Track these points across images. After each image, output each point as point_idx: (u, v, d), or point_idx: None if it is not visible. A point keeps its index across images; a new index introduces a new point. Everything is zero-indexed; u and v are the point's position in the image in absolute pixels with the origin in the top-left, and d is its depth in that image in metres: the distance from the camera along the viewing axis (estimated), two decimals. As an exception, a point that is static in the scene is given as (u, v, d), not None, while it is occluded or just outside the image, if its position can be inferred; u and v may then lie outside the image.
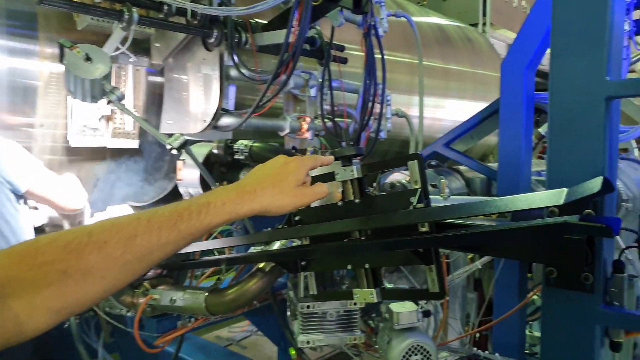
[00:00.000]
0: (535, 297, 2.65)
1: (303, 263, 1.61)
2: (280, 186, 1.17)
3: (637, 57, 2.53)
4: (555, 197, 1.00)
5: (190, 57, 3.20)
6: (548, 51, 1.77)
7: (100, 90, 2.05)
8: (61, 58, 2.15)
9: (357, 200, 1.44)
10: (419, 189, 1.25)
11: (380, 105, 3.42)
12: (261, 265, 1.73)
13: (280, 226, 1.66)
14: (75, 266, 0.83)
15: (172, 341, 1.99)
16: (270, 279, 1.71)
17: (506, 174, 2.51)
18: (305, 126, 3.63)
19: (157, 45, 3.18)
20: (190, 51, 3.20)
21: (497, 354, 2.03)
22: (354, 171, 1.44)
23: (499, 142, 2.56)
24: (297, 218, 1.63)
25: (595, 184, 1.02)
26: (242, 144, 2.23)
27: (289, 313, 2.06)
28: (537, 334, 3.29)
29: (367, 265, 1.40)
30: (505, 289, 2.33)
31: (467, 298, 3.03)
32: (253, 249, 1.85)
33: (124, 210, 3.26)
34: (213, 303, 1.73)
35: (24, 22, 2.75)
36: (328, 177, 1.56)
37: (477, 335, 2.90)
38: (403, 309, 1.68)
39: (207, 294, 1.74)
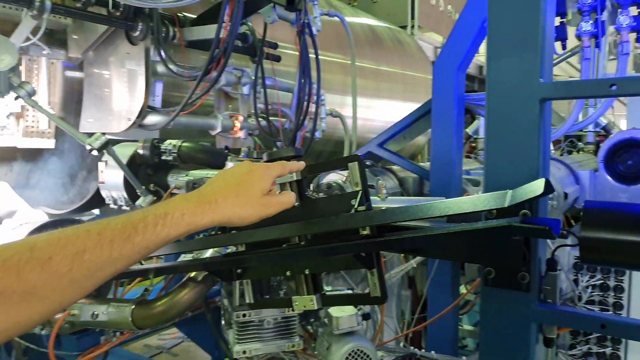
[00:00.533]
0: (464, 291, 2.72)
1: (239, 271, 1.52)
2: (244, 196, 1.11)
3: (560, 58, 2.67)
4: (499, 199, 1.00)
5: (112, 51, 2.99)
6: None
7: (6, 84, 1.85)
8: (-39, 49, 1.92)
9: (296, 204, 1.37)
10: (360, 192, 1.21)
11: (316, 105, 3.37)
12: (193, 274, 1.62)
13: (213, 232, 1.56)
14: (14, 286, 0.74)
15: (94, 358, 1.83)
16: (203, 289, 1.61)
17: (438, 173, 2.56)
18: (238, 125, 3.52)
19: (75, 37, 2.95)
20: (112, 45, 3.00)
21: (432, 352, 2.05)
22: (292, 173, 1.37)
23: (431, 141, 2.60)
24: (231, 223, 1.54)
25: (538, 186, 1.04)
26: (170, 143, 2.09)
27: (223, 322, 1.96)
28: (468, 327, 3.40)
29: (307, 271, 1.34)
30: (439, 287, 2.37)
31: (402, 296, 3.06)
32: (183, 257, 1.74)
33: (36, 216, 3.00)
34: (140, 316, 1.60)
35: None
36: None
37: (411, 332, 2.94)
38: (342, 313, 1.64)
39: (133, 306, 1.61)
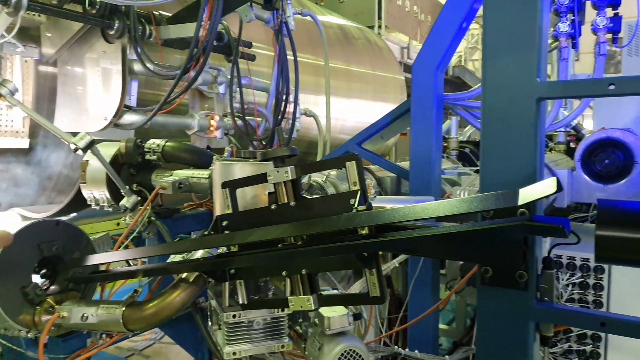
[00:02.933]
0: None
1: (232, 271, 1.54)
2: None
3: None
4: (510, 198, 1.03)
5: (88, 49, 2.93)
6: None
7: (-13, 83, 1.79)
8: (-64, 45, 1.85)
9: (292, 204, 1.40)
10: (359, 191, 1.24)
11: (295, 104, 3.39)
12: (184, 275, 1.62)
13: (206, 233, 1.56)
14: None
15: (79, 362, 1.80)
16: (195, 290, 1.60)
17: (418, 173, 2.62)
18: (214, 124, 3.50)
19: (49, 35, 2.87)
20: (88, 43, 2.93)
21: (416, 351, 2.11)
22: (288, 173, 1.40)
23: (410, 141, 2.66)
24: (224, 223, 1.55)
25: (549, 185, 1.06)
26: (153, 143, 2.07)
27: (210, 323, 1.96)
28: (442, 326, 3.49)
29: (303, 271, 1.36)
30: (420, 286, 2.43)
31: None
32: (173, 257, 1.73)
33: (11, 218, 2.91)
34: (131, 318, 1.58)
35: None
36: (259, 179, 1.50)
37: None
38: (334, 313, 1.67)
39: (124, 308, 1.59)
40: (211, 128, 3.46)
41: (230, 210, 1.57)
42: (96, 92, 2.92)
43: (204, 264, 1.55)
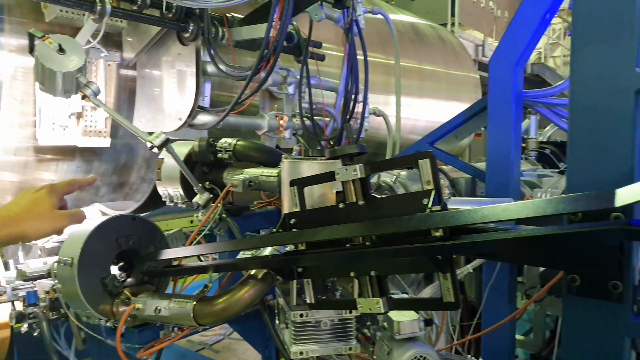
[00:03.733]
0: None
1: (300, 270, 1.52)
2: (35, 211, 1.31)
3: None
4: (606, 199, 0.92)
5: (164, 52, 3.05)
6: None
7: (73, 84, 1.90)
8: (31, 50, 1.99)
9: (361, 203, 1.35)
10: (433, 190, 1.18)
11: (364, 103, 3.34)
12: (253, 271, 1.62)
13: (274, 230, 1.56)
14: None
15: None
16: (263, 287, 1.60)
17: (495, 174, 2.48)
18: (283, 124, 3.53)
19: (130, 39, 3.02)
20: (164, 46, 3.06)
21: (490, 360, 2.00)
22: (357, 171, 1.35)
23: (487, 141, 2.53)
24: (292, 221, 1.53)
25: None
26: (225, 142, 2.11)
27: (277, 321, 1.96)
28: (518, 337, 3.30)
29: (372, 273, 1.32)
30: (496, 294, 2.29)
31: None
32: (242, 254, 1.75)
33: (92, 213, 3.09)
34: (201, 313, 1.61)
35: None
36: (327, 177, 1.47)
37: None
38: (404, 317, 1.61)
39: (194, 303, 1.62)
40: (280, 128, 3.50)
41: (298, 209, 1.55)
42: (172, 94, 3.03)
43: (272, 261, 1.54)
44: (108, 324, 1.80)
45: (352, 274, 1.37)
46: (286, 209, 1.81)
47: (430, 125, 5.96)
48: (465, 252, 1.36)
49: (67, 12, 2.50)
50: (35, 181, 2.82)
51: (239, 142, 2.10)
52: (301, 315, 1.72)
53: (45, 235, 1.34)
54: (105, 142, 2.82)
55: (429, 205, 1.17)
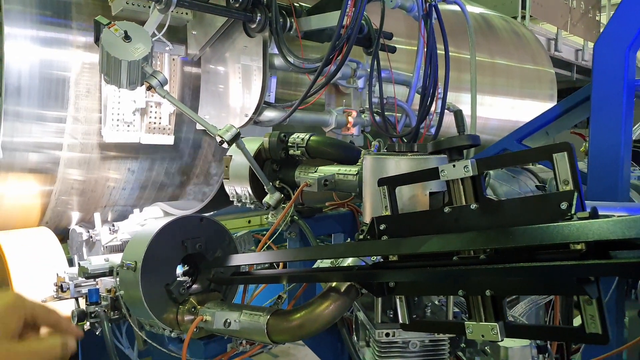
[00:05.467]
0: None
1: (392, 284, 1.29)
2: None
3: None
4: None
5: (229, 45, 2.92)
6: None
7: (139, 74, 1.77)
8: (96, 39, 1.88)
9: (473, 206, 1.11)
10: (575, 192, 0.93)
11: (444, 95, 3.06)
12: (334, 283, 1.42)
13: (361, 237, 1.34)
14: None
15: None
16: (347, 302, 1.39)
17: (599, 174, 2.16)
18: (351, 120, 3.32)
19: (194, 32, 2.91)
20: (230, 39, 2.93)
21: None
22: (468, 167, 1.11)
23: (590, 137, 2.21)
24: (382, 227, 1.32)
25: None
26: (297, 136, 1.91)
27: (356, 338, 1.75)
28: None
29: (487, 293, 1.07)
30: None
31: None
32: (319, 262, 1.55)
33: (155, 212, 3.00)
34: (276, 329, 1.42)
35: (56, 9, 2.54)
36: (428, 175, 1.24)
37: None
38: (513, 342, 1.36)
39: (268, 317, 1.44)
40: (348, 125, 3.30)
41: (388, 212, 1.33)
42: (237, 89, 2.90)
43: (359, 274, 1.33)
44: (172, 335, 1.65)
45: (460, 292, 1.13)
46: (368, 212, 1.59)
47: (503, 124, 5.58)
48: (625, 274, 1.09)
49: (133, 4, 2.41)
50: (99, 179, 2.76)
51: (312, 137, 1.91)
52: (387, 335, 1.51)
53: None
54: (169, 140, 2.71)
55: (572, 211, 0.92)
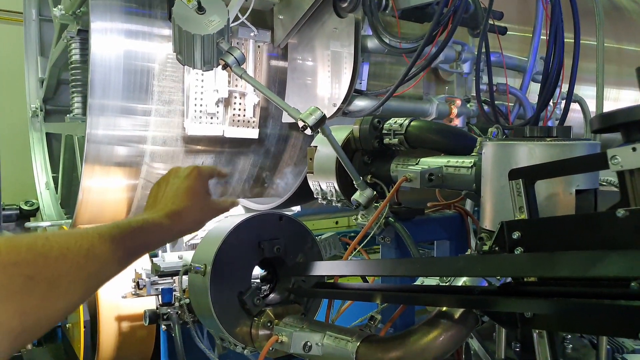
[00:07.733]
0: None
1: (528, 314, 0.94)
2: (195, 201, 1.12)
3: None
4: None
5: (318, 29, 2.67)
6: None
7: (214, 51, 1.56)
8: (169, 14, 1.70)
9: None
10: None
11: (571, 80, 2.57)
12: (444, 308, 1.08)
13: (486, 247, 1.00)
14: (43, 273, 0.72)
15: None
16: (462, 333, 1.05)
17: None
18: (455, 111, 2.93)
19: (281, 17, 2.69)
20: (319, 22, 2.67)
21: None
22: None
23: None
24: (515, 235, 0.96)
25: None
26: (394, 122, 1.59)
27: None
28: None
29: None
30: None
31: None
32: (424, 279, 1.22)
33: (235, 208, 2.83)
34: (368, 359, 1.12)
35: (140, 1, 2.47)
36: (594, 164, 0.88)
37: None
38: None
39: (358, 343, 1.14)
40: (452, 115, 2.91)
41: (524, 216, 0.97)
42: (325, 77, 2.64)
43: (483, 301, 0.98)
44: (245, 352, 1.41)
45: (642, 334, 0.75)
46: (489, 214, 1.24)
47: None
48: None
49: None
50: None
51: (413, 122, 1.58)
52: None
53: (201, 227, 1.16)
54: (253, 133, 2.52)
55: None
